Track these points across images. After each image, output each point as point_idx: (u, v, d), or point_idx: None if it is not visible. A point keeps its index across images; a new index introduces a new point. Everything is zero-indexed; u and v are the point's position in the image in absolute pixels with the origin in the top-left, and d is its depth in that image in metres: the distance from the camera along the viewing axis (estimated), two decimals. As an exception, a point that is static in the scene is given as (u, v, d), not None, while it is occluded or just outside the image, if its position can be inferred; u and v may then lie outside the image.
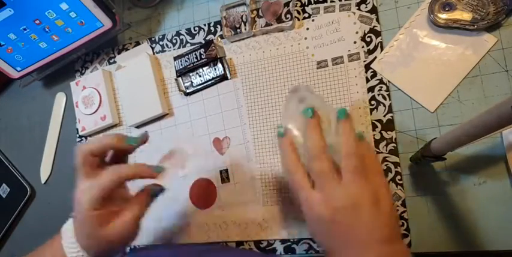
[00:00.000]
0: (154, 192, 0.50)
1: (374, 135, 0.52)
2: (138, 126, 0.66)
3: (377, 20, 0.54)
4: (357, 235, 0.39)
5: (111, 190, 0.44)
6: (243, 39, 0.61)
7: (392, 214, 0.40)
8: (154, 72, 0.64)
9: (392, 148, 0.51)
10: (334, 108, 0.43)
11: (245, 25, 0.61)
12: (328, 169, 0.40)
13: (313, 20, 0.57)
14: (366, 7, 0.55)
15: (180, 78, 0.63)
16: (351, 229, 0.39)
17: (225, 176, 0.60)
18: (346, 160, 0.40)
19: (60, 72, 0.73)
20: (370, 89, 0.53)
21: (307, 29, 0.57)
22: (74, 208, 0.46)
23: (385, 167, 0.51)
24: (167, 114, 0.64)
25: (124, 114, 0.67)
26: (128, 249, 0.64)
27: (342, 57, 0.55)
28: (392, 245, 0.39)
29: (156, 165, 0.49)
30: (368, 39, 0.54)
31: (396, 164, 0.51)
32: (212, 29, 0.64)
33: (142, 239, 0.63)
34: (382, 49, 0.53)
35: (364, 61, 0.54)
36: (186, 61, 0.63)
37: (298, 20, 0.58)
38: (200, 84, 0.62)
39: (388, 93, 0.53)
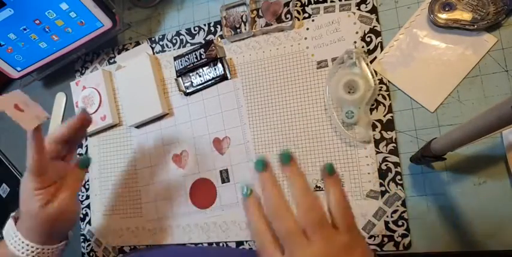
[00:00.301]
0: (82, 163, 0.51)
1: (374, 135, 0.52)
2: (138, 127, 0.66)
3: (377, 20, 0.54)
4: None
5: (42, 151, 0.46)
6: (243, 39, 0.61)
7: None
8: (154, 72, 0.64)
9: (392, 148, 0.51)
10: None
11: (245, 25, 0.61)
12: (294, 228, 0.35)
13: (313, 20, 0.57)
14: (366, 7, 0.55)
15: (180, 78, 0.63)
16: None
17: (225, 176, 0.60)
18: (306, 216, 0.35)
19: (60, 72, 0.73)
20: (370, 89, 0.53)
21: (307, 29, 0.57)
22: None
23: (385, 167, 0.51)
24: (167, 114, 0.64)
25: (124, 114, 0.67)
26: (127, 249, 0.64)
27: (342, 57, 0.55)
28: None
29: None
30: (368, 39, 0.54)
31: (396, 164, 0.51)
32: (212, 29, 0.64)
33: (142, 240, 0.63)
34: (382, 49, 0.53)
35: (364, 61, 0.54)
36: (186, 61, 0.63)
37: (298, 20, 0.58)
38: (200, 84, 0.62)
39: (388, 93, 0.53)
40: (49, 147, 0.49)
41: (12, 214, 0.49)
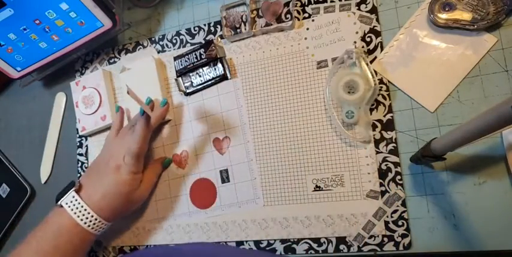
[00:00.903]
0: (165, 163, 0.62)
1: (374, 135, 0.52)
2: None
3: (377, 20, 0.54)
4: None
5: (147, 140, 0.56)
6: (243, 39, 0.61)
7: None
8: (159, 76, 0.64)
9: (393, 148, 0.51)
10: None
11: (245, 25, 0.61)
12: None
13: (313, 20, 0.57)
14: (366, 7, 0.55)
15: (180, 78, 0.63)
16: None
17: (225, 176, 0.60)
18: None
19: (60, 72, 0.73)
20: (370, 89, 0.53)
21: (307, 29, 0.57)
22: (95, 174, 0.56)
23: (385, 167, 0.51)
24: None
25: (125, 117, 0.67)
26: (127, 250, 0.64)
27: (342, 57, 0.55)
28: None
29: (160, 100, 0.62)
30: (368, 39, 0.54)
31: (396, 164, 0.51)
32: (212, 29, 0.64)
33: (142, 240, 0.63)
34: (382, 49, 0.53)
35: (364, 61, 0.54)
36: (186, 61, 0.63)
37: (298, 20, 0.58)
38: (200, 84, 0.62)
39: (388, 93, 0.53)
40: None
41: (74, 188, 0.54)
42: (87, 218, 0.53)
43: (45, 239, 0.53)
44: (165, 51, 0.67)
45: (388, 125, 0.52)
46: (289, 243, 0.55)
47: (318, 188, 0.54)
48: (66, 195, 0.54)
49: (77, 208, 0.53)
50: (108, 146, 0.60)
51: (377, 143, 0.52)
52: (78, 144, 0.71)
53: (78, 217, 0.53)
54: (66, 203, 0.53)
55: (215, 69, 0.61)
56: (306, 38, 0.57)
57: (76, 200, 0.53)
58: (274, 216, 0.56)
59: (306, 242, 0.54)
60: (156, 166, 0.61)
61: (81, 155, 0.71)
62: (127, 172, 0.54)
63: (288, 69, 0.58)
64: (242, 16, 0.61)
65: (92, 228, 0.54)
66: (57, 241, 0.52)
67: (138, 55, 0.68)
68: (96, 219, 0.53)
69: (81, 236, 0.53)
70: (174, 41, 0.66)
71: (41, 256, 0.52)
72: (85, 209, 0.53)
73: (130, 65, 0.67)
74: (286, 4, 0.59)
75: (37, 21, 0.64)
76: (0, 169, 0.78)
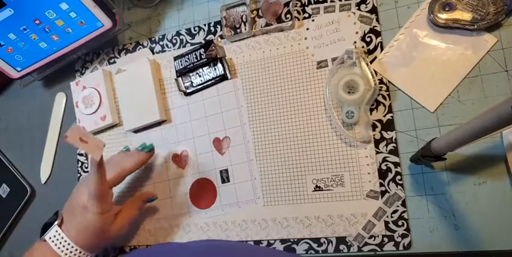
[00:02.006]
0: (151, 200, 0.61)
1: (374, 135, 0.52)
2: (135, 131, 0.66)
3: (377, 20, 0.54)
4: None
5: (121, 178, 0.58)
6: (243, 39, 0.61)
7: None
8: (154, 78, 0.64)
9: (393, 148, 0.51)
10: None
11: (245, 25, 0.61)
12: None
13: (313, 20, 0.57)
14: (366, 7, 0.55)
15: (180, 78, 0.63)
16: None
17: (225, 176, 0.60)
18: None
19: (60, 72, 0.73)
20: (370, 89, 0.53)
21: (307, 29, 0.57)
22: (70, 212, 0.55)
23: (385, 167, 0.51)
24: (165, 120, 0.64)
25: (122, 118, 0.67)
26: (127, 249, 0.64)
27: (342, 57, 0.55)
28: None
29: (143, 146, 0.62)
30: (368, 39, 0.54)
31: (396, 164, 0.51)
32: (212, 29, 0.64)
33: (142, 240, 0.63)
34: (382, 49, 0.53)
35: (364, 61, 0.54)
36: (186, 61, 0.63)
37: (298, 20, 0.58)
38: (200, 85, 0.62)
39: (388, 93, 0.53)
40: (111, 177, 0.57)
41: (56, 222, 0.54)
42: (71, 252, 0.53)
43: None
44: (165, 51, 0.67)
45: (388, 125, 0.52)
46: (289, 243, 0.55)
47: (318, 188, 0.54)
48: (49, 229, 0.54)
49: (60, 242, 0.53)
50: (77, 187, 0.58)
51: (377, 143, 0.52)
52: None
53: (62, 251, 0.52)
54: (50, 238, 0.53)
55: (215, 69, 0.61)
56: (306, 38, 0.57)
57: (59, 234, 0.53)
58: (274, 216, 0.56)
59: (306, 242, 0.54)
60: (137, 202, 0.60)
61: (81, 155, 0.71)
62: (92, 212, 0.53)
63: (288, 69, 0.58)
64: (242, 16, 0.61)
65: None
66: None
67: (133, 56, 0.68)
68: (80, 252, 0.53)
69: None
70: (174, 41, 0.66)
71: None
72: (68, 244, 0.53)
73: (126, 66, 0.67)
74: (286, 4, 0.59)
75: (37, 21, 0.64)
76: (0, 169, 0.78)
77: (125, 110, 0.66)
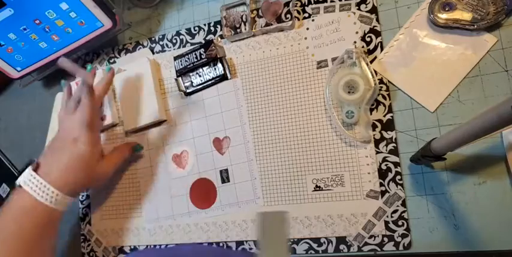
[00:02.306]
0: (136, 148, 0.63)
1: (374, 135, 0.52)
2: (135, 132, 0.66)
3: (377, 20, 0.54)
4: None
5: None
6: (243, 39, 0.61)
7: None
8: (154, 78, 0.64)
9: (393, 148, 0.51)
10: None
11: (245, 25, 0.61)
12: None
13: (313, 20, 0.57)
14: (366, 7, 0.55)
15: (180, 78, 0.63)
16: None
17: (225, 176, 0.60)
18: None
19: (60, 72, 0.73)
20: (370, 89, 0.53)
21: (307, 29, 0.57)
22: (54, 150, 0.56)
23: (385, 167, 0.51)
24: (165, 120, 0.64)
25: (121, 118, 0.67)
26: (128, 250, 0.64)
27: (342, 57, 0.55)
28: None
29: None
30: (368, 39, 0.54)
31: (396, 164, 0.51)
32: (212, 29, 0.64)
33: (142, 240, 0.63)
34: (382, 49, 0.53)
35: (364, 61, 0.54)
36: (186, 61, 0.63)
37: (298, 20, 0.58)
38: (200, 84, 0.62)
39: (388, 93, 0.53)
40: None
41: (30, 167, 0.53)
42: (47, 194, 0.51)
43: (7, 222, 0.51)
44: (165, 51, 0.67)
45: (388, 125, 0.52)
46: (289, 243, 0.55)
47: (318, 188, 0.54)
48: (22, 174, 0.53)
49: (36, 185, 0.51)
50: (61, 124, 0.59)
51: (377, 143, 0.52)
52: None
53: (38, 194, 0.51)
54: (25, 182, 0.52)
55: (215, 69, 0.61)
56: (306, 38, 0.57)
57: (34, 178, 0.52)
58: (274, 216, 0.56)
59: (306, 242, 0.54)
60: (124, 147, 0.62)
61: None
62: (83, 143, 0.54)
63: (288, 69, 0.58)
64: (242, 16, 0.61)
65: (55, 204, 0.52)
66: (20, 222, 0.51)
67: (133, 56, 0.68)
68: (57, 195, 0.52)
69: (45, 214, 0.52)
70: (174, 41, 0.66)
71: (6, 239, 0.50)
72: (44, 186, 0.51)
73: (125, 67, 0.67)
74: (286, 4, 0.59)
75: (37, 21, 0.64)
76: (0, 169, 0.78)
77: (124, 110, 0.66)
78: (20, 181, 0.53)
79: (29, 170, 0.53)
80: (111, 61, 0.71)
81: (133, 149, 0.63)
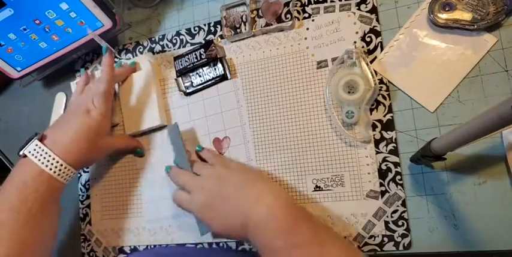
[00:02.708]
0: (137, 150, 0.64)
1: (374, 135, 0.52)
2: (135, 136, 0.66)
3: (377, 20, 0.54)
4: None
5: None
6: (243, 39, 0.61)
7: None
8: (155, 83, 0.64)
9: (393, 148, 0.51)
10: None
11: (245, 25, 0.61)
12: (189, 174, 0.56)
13: (313, 20, 0.57)
14: (366, 7, 0.55)
15: (180, 78, 0.63)
16: None
17: (225, 176, 0.59)
18: (193, 165, 0.57)
19: (60, 72, 0.73)
20: (370, 89, 0.53)
21: (307, 29, 0.57)
22: (64, 120, 0.57)
23: (385, 167, 0.51)
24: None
25: (122, 119, 0.67)
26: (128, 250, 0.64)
27: (342, 57, 0.55)
28: None
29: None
30: (368, 39, 0.54)
31: (396, 164, 0.51)
32: (212, 29, 0.64)
33: (142, 240, 0.63)
34: (382, 49, 0.53)
35: (364, 61, 0.54)
36: (186, 61, 0.63)
37: (298, 20, 0.58)
38: (200, 84, 0.62)
39: (388, 93, 0.53)
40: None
41: (36, 137, 0.53)
42: (52, 164, 0.51)
43: (10, 191, 0.51)
44: (165, 51, 0.67)
45: (388, 125, 0.52)
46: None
47: (318, 188, 0.54)
48: (28, 144, 0.53)
49: (41, 155, 0.51)
50: (73, 101, 0.61)
51: (377, 143, 0.52)
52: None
53: (43, 163, 0.51)
54: (30, 152, 0.52)
55: (215, 69, 0.61)
56: (306, 38, 0.57)
57: (40, 147, 0.52)
58: (274, 216, 0.56)
59: (306, 242, 0.54)
60: (132, 139, 0.64)
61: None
62: (97, 113, 0.55)
63: (288, 69, 0.58)
64: (242, 16, 0.61)
65: (58, 175, 0.52)
66: (23, 191, 0.51)
67: (135, 59, 0.68)
68: (61, 165, 0.52)
69: (48, 184, 0.52)
70: (174, 41, 0.66)
71: (8, 208, 0.50)
72: (49, 155, 0.51)
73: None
74: (286, 4, 0.59)
75: (37, 21, 0.64)
76: (0, 169, 0.78)
77: (126, 113, 0.66)
78: (24, 150, 0.52)
79: (35, 141, 0.53)
80: (111, 61, 0.70)
81: (134, 149, 0.64)
